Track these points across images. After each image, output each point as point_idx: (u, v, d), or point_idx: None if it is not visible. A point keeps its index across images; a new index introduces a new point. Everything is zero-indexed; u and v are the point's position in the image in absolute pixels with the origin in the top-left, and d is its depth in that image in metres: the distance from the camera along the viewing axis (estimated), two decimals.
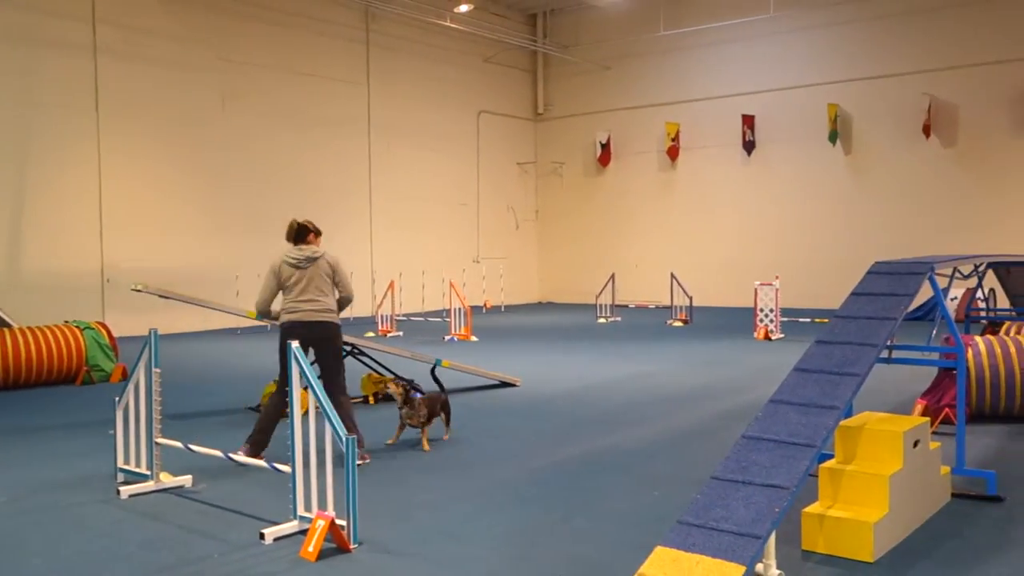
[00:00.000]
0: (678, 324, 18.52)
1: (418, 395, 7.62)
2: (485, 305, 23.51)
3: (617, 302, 20.97)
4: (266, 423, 6.92)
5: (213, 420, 8.72)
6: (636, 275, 24.27)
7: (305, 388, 5.06)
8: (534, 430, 8.02)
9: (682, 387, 10.43)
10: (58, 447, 7.56)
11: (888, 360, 5.94)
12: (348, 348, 9.10)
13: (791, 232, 22.53)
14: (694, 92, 23.96)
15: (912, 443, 5.07)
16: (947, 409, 7.57)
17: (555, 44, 25.91)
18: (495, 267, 24.53)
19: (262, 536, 4.97)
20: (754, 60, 22.94)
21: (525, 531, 5.15)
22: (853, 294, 5.72)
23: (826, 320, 16.55)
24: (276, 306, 7.21)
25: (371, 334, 15.98)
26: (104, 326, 11.75)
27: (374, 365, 9.33)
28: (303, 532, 4.94)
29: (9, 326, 11.63)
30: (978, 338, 8.13)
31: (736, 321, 18.60)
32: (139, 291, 8.58)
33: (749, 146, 23.02)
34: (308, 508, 5.02)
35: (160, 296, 8.91)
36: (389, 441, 7.48)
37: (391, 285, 17.42)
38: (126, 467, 6.18)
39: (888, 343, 5.49)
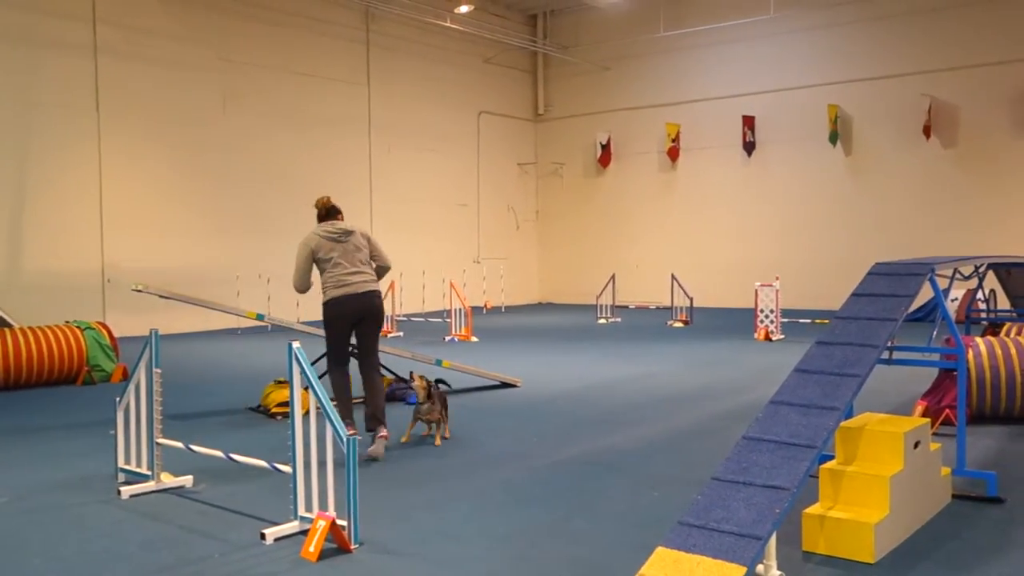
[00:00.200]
0: (678, 325, 18.52)
1: (441, 387, 7.80)
2: (485, 306, 23.51)
3: (617, 303, 20.97)
4: (345, 398, 7.15)
5: (214, 420, 8.72)
6: (636, 276, 24.27)
7: (305, 388, 5.06)
8: (534, 431, 8.02)
9: (682, 388, 10.44)
10: (59, 447, 7.56)
11: (889, 361, 5.94)
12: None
13: (791, 233, 22.54)
14: (694, 93, 23.96)
15: (913, 444, 5.07)
16: (948, 410, 7.57)
17: (555, 45, 25.92)
18: (495, 268, 24.54)
19: (263, 536, 4.97)
20: (754, 61, 22.94)
21: (525, 532, 5.15)
22: (854, 295, 5.72)
23: (826, 321, 16.56)
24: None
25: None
26: (105, 326, 11.74)
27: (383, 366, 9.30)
28: (304, 532, 4.94)
29: (10, 326, 11.64)
30: (979, 339, 8.13)
31: (736, 322, 18.60)
32: (140, 291, 8.58)
33: (749, 147, 23.02)
34: (309, 508, 5.02)
35: (161, 296, 8.90)
36: (403, 439, 7.52)
37: (391, 285, 17.41)
38: (127, 467, 6.18)
39: (889, 344, 5.49)
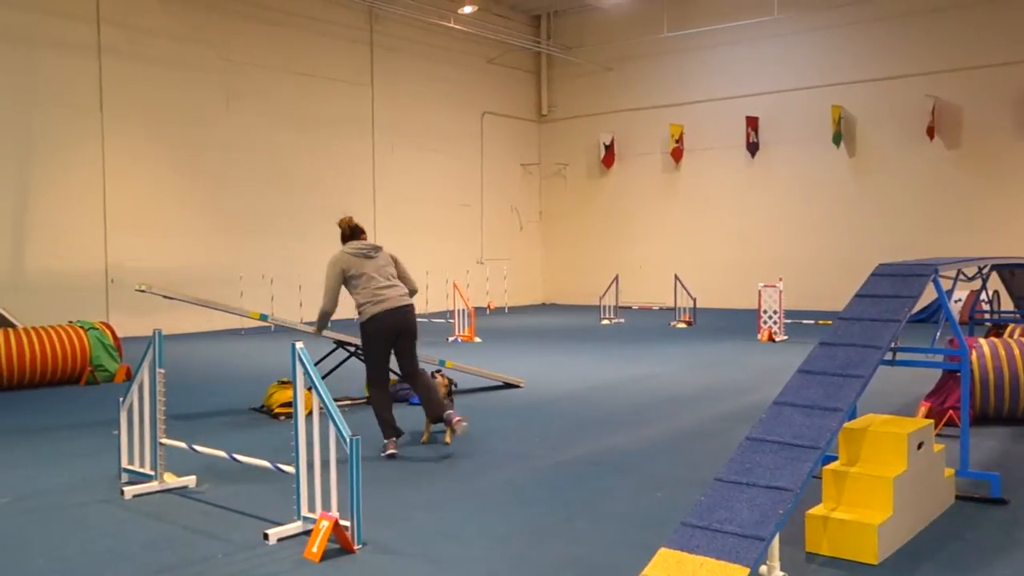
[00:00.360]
0: (682, 326, 18.51)
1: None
2: (489, 306, 23.51)
3: (621, 303, 20.96)
4: (388, 417, 7.16)
5: (217, 420, 8.73)
6: (640, 276, 24.26)
7: (309, 389, 5.06)
8: (537, 431, 8.02)
9: (685, 389, 10.43)
10: (62, 447, 7.57)
11: (892, 362, 5.94)
12: (352, 349, 9.12)
13: (795, 233, 22.52)
14: (698, 94, 23.96)
15: (916, 445, 5.06)
16: (951, 411, 7.56)
17: (559, 45, 25.92)
18: (499, 268, 24.54)
19: (266, 537, 4.97)
20: (758, 62, 22.93)
21: (528, 532, 5.15)
22: (857, 296, 5.72)
23: (830, 322, 16.54)
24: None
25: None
26: (108, 326, 11.76)
27: None
28: (307, 533, 4.94)
29: (13, 326, 11.66)
30: (982, 340, 8.12)
31: (740, 323, 18.58)
32: (143, 291, 8.60)
33: (753, 148, 23.00)
34: (312, 509, 5.03)
35: (164, 296, 8.92)
36: (423, 439, 7.57)
37: None
38: (130, 467, 6.19)
39: (892, 345, 5.49)
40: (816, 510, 4.81)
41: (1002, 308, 12.69)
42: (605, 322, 19.73)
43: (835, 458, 5.24)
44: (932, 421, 5.51)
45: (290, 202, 19.79)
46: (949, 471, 5.56)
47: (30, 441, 7.86)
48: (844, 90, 21.65)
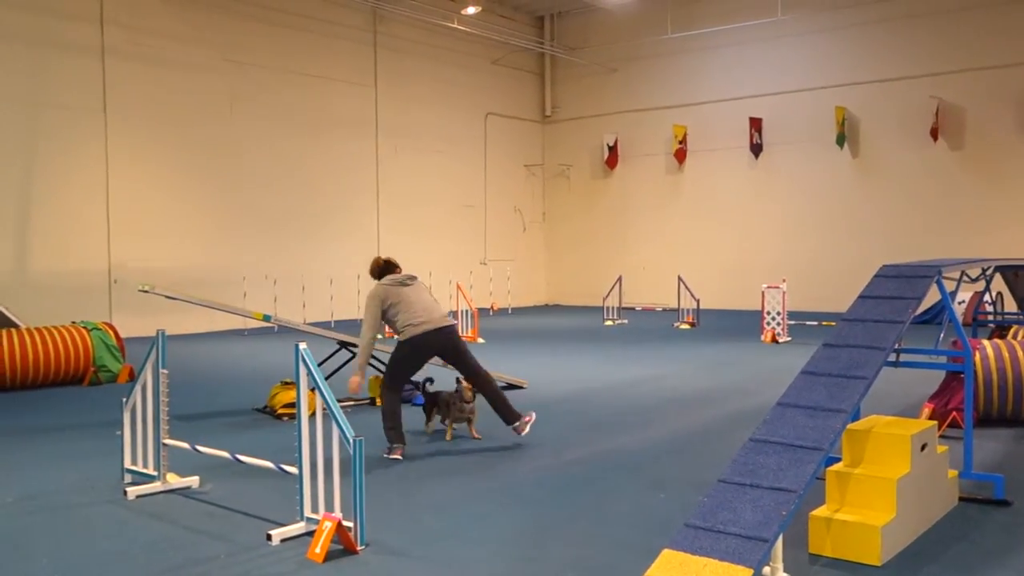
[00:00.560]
0: (685, 327, 18.50)
1: (427, 386, 8.15)
2: (492, 307, 23.50)
3: (624, 304, 20.96)
4: (398, 423, 7.21)
5: (220, 421, 8.73)
6: (643, 278, 24.25)
7: (312, 389, 5.06)
8: (540, 432, 8.01)
9: (689, 390, 10.42)
10: (65, 448, 7.58)
11: (895, 363, 5.93)
12: (355, 350, 9.11)
13: (798, 234, 22.50)
14: (701, 95, 23.94)
15: (919, 447, 5.06)
16: (954, 413, 7.55)
17: (562, 46, 25.92)
18: (502, 269, 24.55)
19: (269, 537, 4.98)
20: (761, 63, 22.92)
21: (531, 533, 5.15)
22: (860, 297, 5.71)
23: (833, 323, 16.52)
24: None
25: (379, 336, 15.96)
26: (111, 327, 11.78)
27: (382, 368, 9.30)
28: (310, 533, 4.95)
29: (16, 326, 11.67)
30: (985, 342, 8.10)
31: (743, 324, 18.57)
32: (146, 292, 8.61)
33: (756, 149, 22.99)
34: (315, 509, 5.03)
35: (167, 297, 8.92)
36: (447, 438, 7.71)
37: None
38: (133, 468, 6.20)
39: (895, 346, 5.48)
40: (819, 511, 4.81)
41: (1006, 309, 12.67)
42: (608, 323, 19.73)
43: (839, 459, 5.23)
44: (936, 423, 5.50)
45: (294, 203, 19.81)
46: (952, 473, 5.55)
47: (33, 441, 7.87)
48: (848, 91, 21.63)
